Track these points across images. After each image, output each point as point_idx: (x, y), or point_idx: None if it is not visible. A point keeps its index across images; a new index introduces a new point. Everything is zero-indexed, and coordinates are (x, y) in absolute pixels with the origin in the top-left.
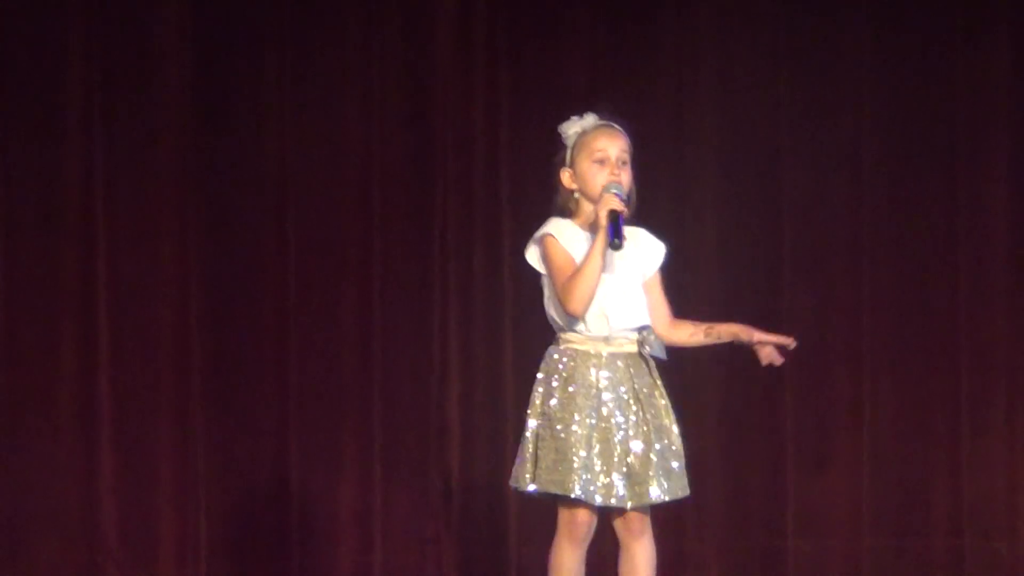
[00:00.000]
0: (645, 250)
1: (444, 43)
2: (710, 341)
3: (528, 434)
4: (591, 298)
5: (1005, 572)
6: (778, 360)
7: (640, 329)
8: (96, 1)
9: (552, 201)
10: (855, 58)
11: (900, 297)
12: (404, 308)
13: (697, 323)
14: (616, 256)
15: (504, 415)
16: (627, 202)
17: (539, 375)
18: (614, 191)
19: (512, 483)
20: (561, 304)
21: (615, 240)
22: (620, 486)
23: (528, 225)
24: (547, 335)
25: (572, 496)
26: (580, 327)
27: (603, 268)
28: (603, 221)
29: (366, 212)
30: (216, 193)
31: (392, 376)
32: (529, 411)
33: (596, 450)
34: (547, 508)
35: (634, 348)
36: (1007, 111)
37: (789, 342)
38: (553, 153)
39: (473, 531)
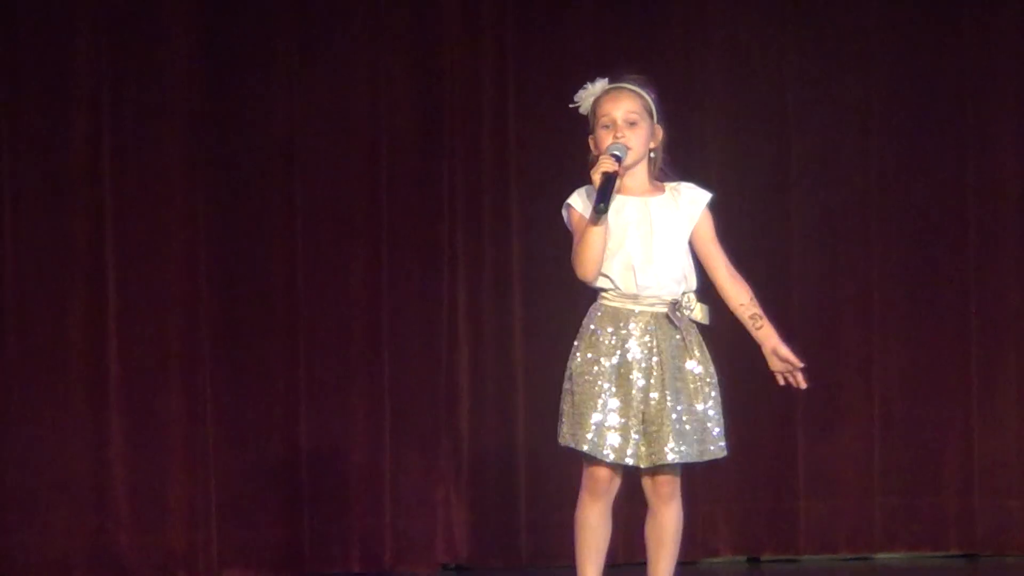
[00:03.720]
0: (684, 202)
1: (451, 10)
2: (748, 328)
3: (564, 388)
4: (595, 262)
5: (1016, 531)
6: (792, 380)
7: (682, 289)
8: None
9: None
10: (862, 18)
11: (909, 257)
12: (413, 273)
13: (755, 302)
14: (647, 213)
15: (513, 378)
16: (620, 161)
17: (579, 332)
18: (614, 152)
19: (558, 439)
20: (573, 269)
21: (599, 205)
22: (633, 445)
23: (535, 190)
24: (555, 298)
25: (583, 451)
26: (610, 285)
27: (608, 230)
28: (596, 184)
29: (374, 178)
30: (225, 159)
31: (401, 340)
32: (567, 367)
33: (613, 407)
34: (556, 471)
35: (664, 309)
36: (1016, 70)
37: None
38: (560, 121)
39: (483, 494)
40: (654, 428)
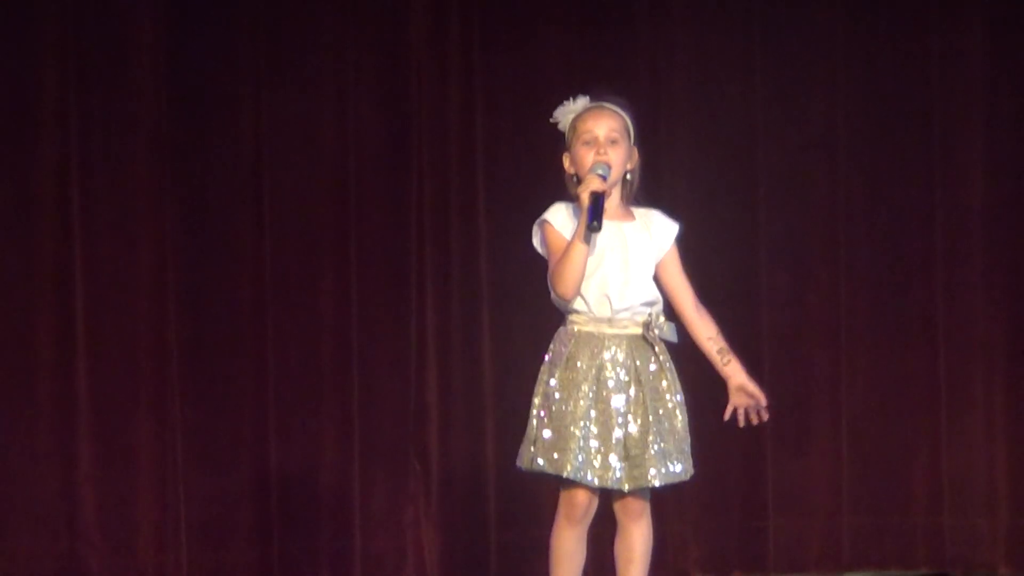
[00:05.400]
0: (656, 230)
1: (419, 28)
2: (714, 362)
3: (532, 413)
4: (577, 281)
5: (984, 549)
6: (753, 417)
7: (650, 310)
8: None
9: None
10: (830, 41)
11: (877, 277)
12: (381, 293)
13: (721, 335)
14: (623, 238)
15: (482, 399)
16: (606, 180)
17: (546, 356)
18: (599, 172)
19: (517, 462)
20: (551, 287)
21: (593, 223)
22: (617, 468)
23: (503, 210)
24: (523, 316)
25: (565, 476)
26: (584, 308)
27: (589, 251)
28: (584, 203)
29: (342, 198)
30: (192, 181)
31: (370, 362)
32: (535, 391)
33: (594, 432)
34: (526, 491)
35: (639, 331)
36: (981, 94)
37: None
38: (528, 138)
39: (452, 515)
40: (637, 451)
